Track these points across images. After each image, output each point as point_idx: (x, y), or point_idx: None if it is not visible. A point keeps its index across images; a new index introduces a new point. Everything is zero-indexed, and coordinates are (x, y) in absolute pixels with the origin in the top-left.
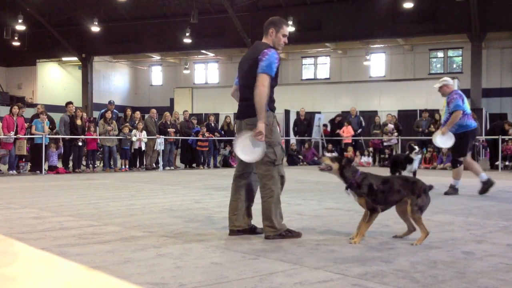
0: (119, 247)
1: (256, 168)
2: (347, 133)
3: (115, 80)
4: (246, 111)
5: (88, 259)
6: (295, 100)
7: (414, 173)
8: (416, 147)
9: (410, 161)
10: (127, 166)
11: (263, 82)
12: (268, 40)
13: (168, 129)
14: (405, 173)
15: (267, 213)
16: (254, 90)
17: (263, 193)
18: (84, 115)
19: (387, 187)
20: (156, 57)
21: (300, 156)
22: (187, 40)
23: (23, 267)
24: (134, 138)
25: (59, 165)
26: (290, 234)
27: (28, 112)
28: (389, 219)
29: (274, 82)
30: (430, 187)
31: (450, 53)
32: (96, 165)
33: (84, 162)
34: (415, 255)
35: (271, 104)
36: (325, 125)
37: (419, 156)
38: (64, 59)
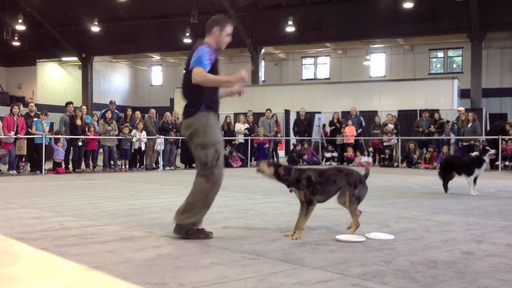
0: (119, 247)
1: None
2: (349, 133)
3: (115, 80)
4: (184, 112)
5: (88, 259)
6: (295, 100)
7: (476, 178)
8: (488, 148)
9: (480, 164)
10: (127, 166)
11: (195, 73)
12: (211, 39)
13: (171, 130)
14: (465, 177)
15: (188, 207)
16: (194, 84)
17: (192, 189)
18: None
19: (324, 178)
20: (156, 57)
21: (305, 156)
22: (187, 40)
23: (23, 267)
24: (134, 139)
25: (63, 164)
26: (197, 234)
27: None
28: (389, 219)
29: None
30: (366, 176)
31: (450, 53)
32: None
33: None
34: (415, 255)
35: (210, 103)
36: (325, 125)
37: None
38: (64, 59)
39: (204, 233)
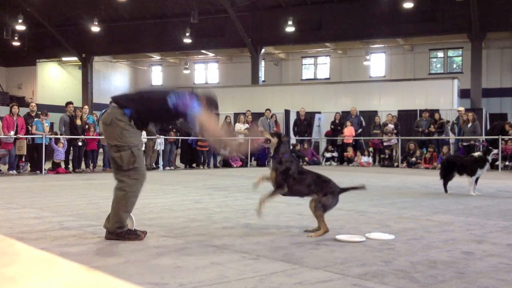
0: (119, 247)
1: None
2: (348, 133)
3: (115, 80)
4: (108, 108)
5: (88, 259)
6: (295, 100)
7: (477, 179)
8: (492, 148)
9: (483, 164)
10: None
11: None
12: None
13: (171, 130)
14: (467, 178)
15: (114, 210)
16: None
17: (114, 193)
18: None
19: (300, 177)
20: (156, 57)
21: (307, 158)
22: (187, 40)
23: (23, 267)
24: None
25: (63, 164)
26: (128, 236)
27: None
28: (389, 219)
29: None
30: (355, 188)
31: (450, 53)
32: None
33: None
34: (415, 255)
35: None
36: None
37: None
38: (64, 59)
39: (135, 234)
